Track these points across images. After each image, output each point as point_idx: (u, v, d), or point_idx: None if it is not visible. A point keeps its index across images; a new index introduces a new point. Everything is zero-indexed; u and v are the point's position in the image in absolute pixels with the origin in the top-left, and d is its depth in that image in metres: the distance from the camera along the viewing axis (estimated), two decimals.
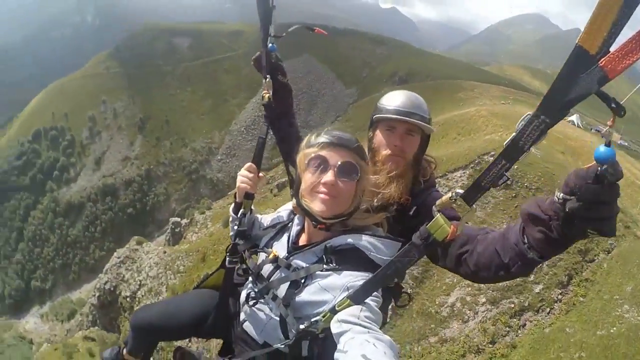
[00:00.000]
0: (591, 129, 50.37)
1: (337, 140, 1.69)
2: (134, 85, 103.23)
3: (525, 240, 1.29)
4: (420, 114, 2.01)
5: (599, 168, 0.96)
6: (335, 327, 1.36)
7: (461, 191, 1.25)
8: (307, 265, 1.63)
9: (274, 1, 2.08)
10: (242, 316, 1.83)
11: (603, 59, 0.82)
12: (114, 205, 76.80)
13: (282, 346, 1.56)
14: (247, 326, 1.78)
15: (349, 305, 1.42)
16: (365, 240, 1.61)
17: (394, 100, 2.04)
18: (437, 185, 2.15)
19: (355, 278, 1.53)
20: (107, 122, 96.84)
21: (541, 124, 0.99)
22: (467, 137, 29.11)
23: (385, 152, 2.00)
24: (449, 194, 1.27)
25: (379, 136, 2.05)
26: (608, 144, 0.95)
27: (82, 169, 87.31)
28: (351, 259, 1.58)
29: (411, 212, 1.92)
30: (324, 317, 1.46)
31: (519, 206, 12.24)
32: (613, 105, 0.91)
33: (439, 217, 1.32)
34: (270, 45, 2.12)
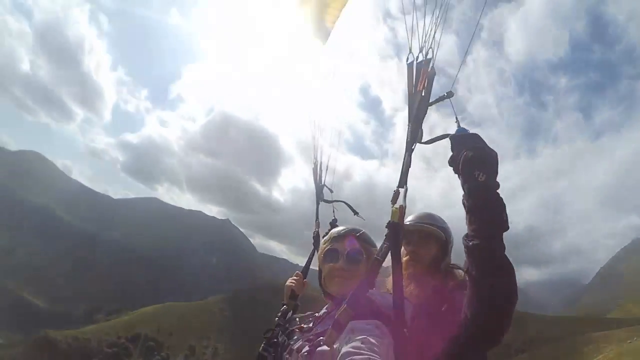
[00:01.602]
0: None
1: (343, 232, 2.17)
2: (240, 334, 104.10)
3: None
4: (431, 222, 2.46)
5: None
6: None
7: (398, 183, 1.90)
8: (326, 327, 1.86)
9: (328, 184, 3.17)
10: None
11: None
12: None
13: None
14: None
15: (345, 311, 1.67)
16: (373, 292, 1.89)
17: (411, 217, 2.51)
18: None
19: (359, 321, 1.70)
20: (205, 357, 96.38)
21: (409, 130, 1.93)
22: None
23: (405, 258, 2.37)
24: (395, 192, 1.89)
25: (403, 249, 2.38)
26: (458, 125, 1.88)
27: None
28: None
29: (443, 308, 2.16)
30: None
31: None
32: (445, 94, 1.90)
33: (394, 207, 1.85)
34: (333, 218, 2.97)
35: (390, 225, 1.82)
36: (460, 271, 2.34)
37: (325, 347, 1.72)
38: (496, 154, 1.78)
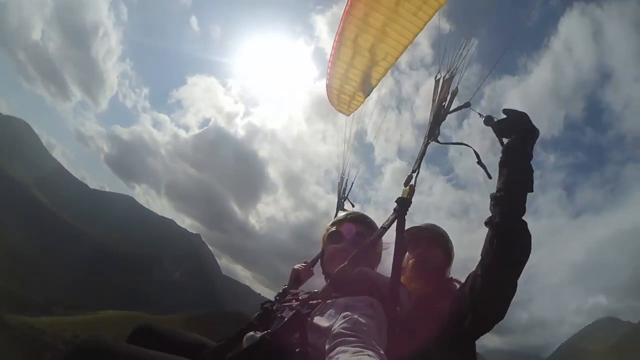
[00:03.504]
0: None
1: (350, 216, 2.34)
2: None
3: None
4: (436, 230, 2.75)
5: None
6: (328, 344, 1.49)
7: (412, 167, 2.33)
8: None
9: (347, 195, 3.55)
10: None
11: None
12: None
13: None
14: None
15: (344, 268, 1.90)
16: (372, 272, 2.05)
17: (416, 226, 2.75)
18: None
19: (354, 298, 1.78)
20: None
21: (428, 128, 2.50)
22: None
23: (411, 261, 2.61)
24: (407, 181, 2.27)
25: (409, 253, 2.64)
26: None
27: None
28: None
29: (438, 305, 2.31)
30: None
31: None
32: (463, 104, 2.44)
33: (405, 188, 2.21)
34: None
35: (399, 199, 2.16)
36: (457, 285, 2.52)
37: (317, 321, 1.75)
38: (538, 130, 2.08)
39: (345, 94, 3.91)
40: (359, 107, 3.93)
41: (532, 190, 1.96)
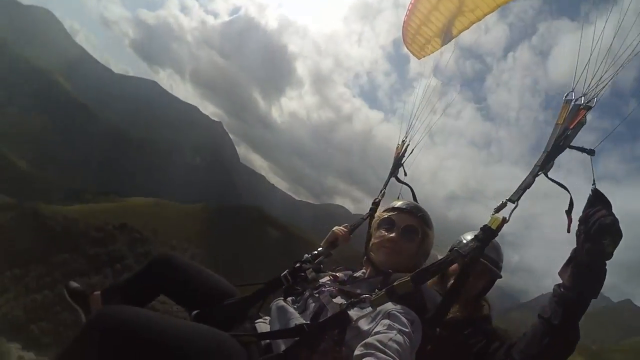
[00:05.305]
0: None
1: (406, 207, 2.18)
2: (219, 246, 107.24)
3: (561, 288, 1.81)
4: (495, 260, 2.59)
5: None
6: (358, 350, 1.45)
7: (510, 195, 1.91)
8: (363, 290, 1.88)
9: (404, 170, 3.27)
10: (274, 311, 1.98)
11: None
12: None
13: None
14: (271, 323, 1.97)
15: (406, 283, 1.71)
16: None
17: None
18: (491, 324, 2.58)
19: (400, 309, 1.67)
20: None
21: (542, 157, 1.99)
22: None
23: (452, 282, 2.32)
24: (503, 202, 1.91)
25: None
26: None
27: None
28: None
29: (466, 332, 2.34)
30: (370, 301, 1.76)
31: None
32: (587, 149, 1.96)
33: (495, 215, 1.86)
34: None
35: (486, 229, 1.84)
36: (486, 305, 2.60)
37: (359, 322, 1.70)
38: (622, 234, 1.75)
39: (421, 35, 3.62)
40: (432, 52, 3.64)
41: (596, 298, 1.81)
